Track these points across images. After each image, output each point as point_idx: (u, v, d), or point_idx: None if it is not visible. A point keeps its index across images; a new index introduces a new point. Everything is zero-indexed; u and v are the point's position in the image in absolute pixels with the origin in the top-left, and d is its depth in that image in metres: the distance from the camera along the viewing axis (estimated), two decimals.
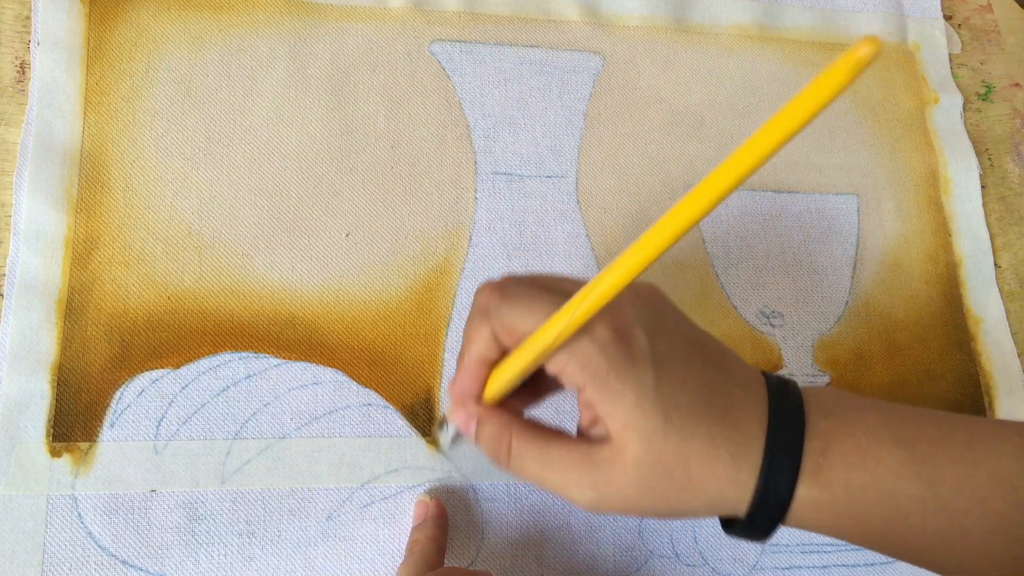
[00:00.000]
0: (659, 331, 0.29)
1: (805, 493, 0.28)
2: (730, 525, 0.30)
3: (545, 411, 0.41)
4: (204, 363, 0.39)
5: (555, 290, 0.29)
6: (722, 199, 0.23)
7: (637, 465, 0.28)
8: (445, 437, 0.35)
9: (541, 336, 0.27)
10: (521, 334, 0.28)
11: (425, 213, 0.43)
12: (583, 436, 0.30)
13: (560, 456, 0.29)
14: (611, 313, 0.28)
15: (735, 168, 0.23)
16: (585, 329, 0.27)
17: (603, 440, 0.28)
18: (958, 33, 0.53)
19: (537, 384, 0.32)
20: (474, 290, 0.34)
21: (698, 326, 0.31)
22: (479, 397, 0.30)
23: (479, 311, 0.30)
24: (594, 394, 0.28)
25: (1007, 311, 0.47)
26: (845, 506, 0.28)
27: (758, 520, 0.28)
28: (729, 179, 0.23)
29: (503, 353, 0.30)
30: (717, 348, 0.30)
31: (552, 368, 0.28)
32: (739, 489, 0.28)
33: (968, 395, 0.46)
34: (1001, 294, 0.48)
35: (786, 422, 0.28)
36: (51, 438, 0.36)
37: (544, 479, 0.29)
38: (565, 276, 0.31)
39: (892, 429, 0.29)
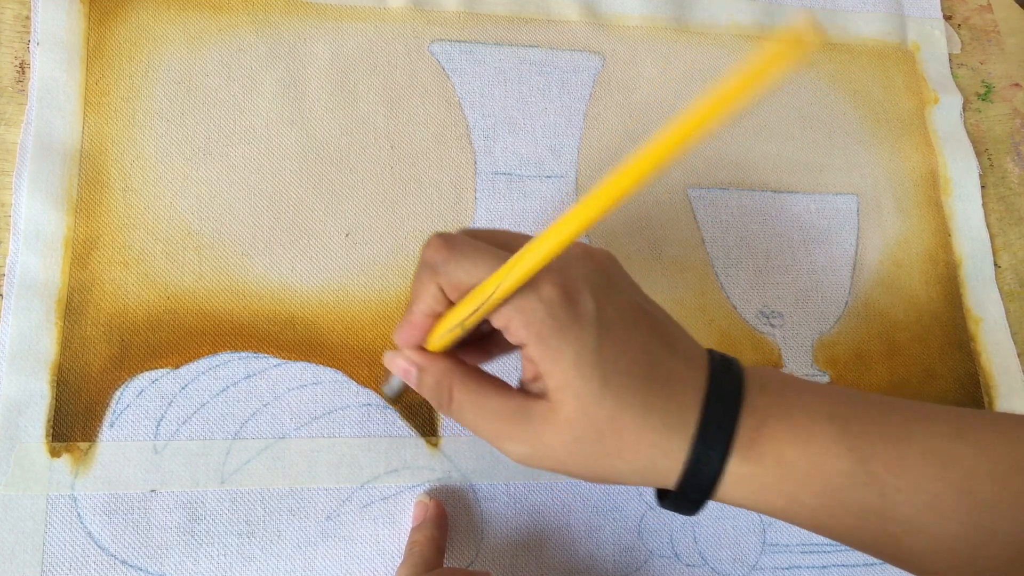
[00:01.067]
0: (608, 296, 0.29)
1: (737, 468, 0.28)
2: (663, 498, 0.30)
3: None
4: (204, 363, 0.39)
5: (506, 246, 0.29)
6: (668, 163, 0.23)
7: (569, 425, 0.28)
8: (389, 388, 0.35)
9: (483, 290, 0.27)
10: (466, 288, 0.28)
11: (425, 213, 0.43)
12: (523, 390, 0.30)
13: (497, 406, 0.29)
14: (560, 273, 0.28)
15: (683, 130, 0.22)
16: (532, 286, 0.27)
17: (541, 396, 0.29)
18: (958, 33, 0.53)
19: (487, 343, 0.32)
20: None
21: (649, 297, 0.31)
22: (421, 347, 0.30)
23: (426, 266, 0.29)
24: (536, 351, 0.28)
25: (1007, 311, 0.47)
26: (777, 482, 0.28)
27: (688, 492, 0.29)
28: (677, 139, 0.22)
29: (449, 306, 0.30)
30: (664, 320, 0.30)
31: (497, 322, 0.28)
32: (670, 460, 0.28)
33: (968, 395, 0.46)
34: (1001, 294, 0.48)
35: (723, 397, 0.28)
36: (51, 438, 0.36)
37: (479, 428, 0.29)
38: (521, 233, 0.31)
39: (828, 408, 0.29)
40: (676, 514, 0.40)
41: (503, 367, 0.37)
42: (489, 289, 0.27)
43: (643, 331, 0.29)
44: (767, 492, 0.28)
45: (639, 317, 0.29)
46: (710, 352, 0.30)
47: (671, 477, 0.28)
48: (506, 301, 0.28)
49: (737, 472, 0.28)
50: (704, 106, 0.21)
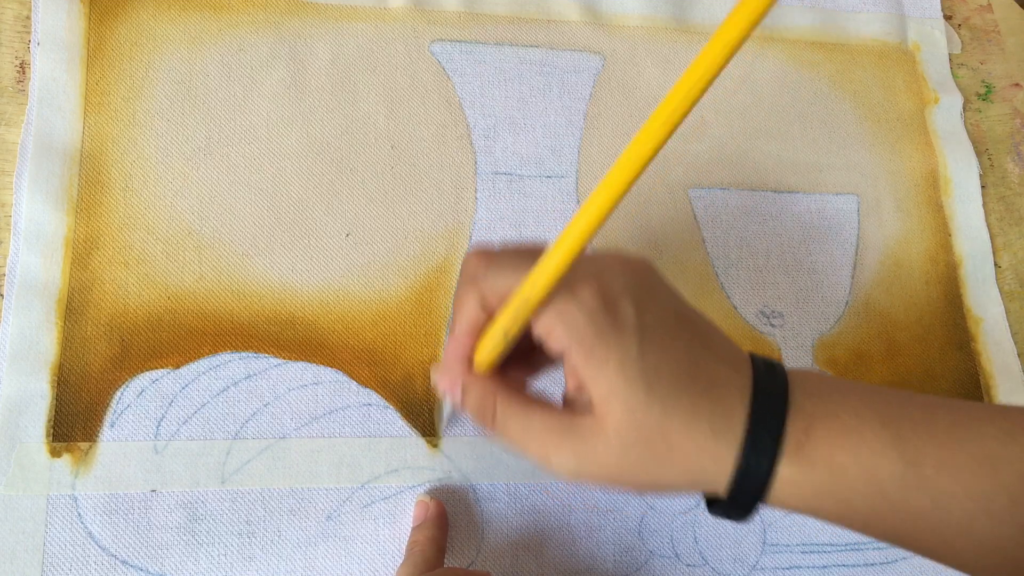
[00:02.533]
0: (647, 302, 0.29)
1: (787, 471, 0.28)
2: (712, 505, 0.30)
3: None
4: (204, 363, 0.39)
5: (540, 255, 0.29)
6: (672, 130, 0.23)
7: (618, 434, 0.28)
8: (442, 414, 0.35)
9: (520, 293, 0.27)
10: (507, 297, 0.28)
11: (425, 213, 0.43)
12: (567, 405, 0.30)
13: (542, 423, 0.29)
14: (599, 280, 0.28)
15: (682, 94, 0.23)
16: (572, 294, 0.27)
17: (585, 409, 0.28)
18: (958, 33, 0.53)
19: (531, 359, 0.32)
20: None
21: (688, 303, 0.31)
22: (467, 364, 0.30)
23: (467, 279, 0.30)
24: (579, 359, 0.28)
25: (1007, 311, 0.47)
26: (827, 485, 0.28)
27: (739, 497, 0.28)
28: (679, 103, 0.23)
29: (491, 319, 0.30)
30: (705, 325, 0.30)
31: (539, 330, 0.28)
32: (720, 464, 0.28)
33: (968, 395, 0.46)
34: (1001, 294, 0.48)
35: (770, 400, 0.28)
36: (51, 438, 0.36)
37: (526, 445, 0.29)
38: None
39: (875, 410, 0.29)
40: (671, 513, 0.40)
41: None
42: (525, 291, 0.27)
43: (684, 336, 0.29)
44: (818, 496, 0.28)
45: (679, 323, 0.29)
46: (752, 356, 0.30)
47: (720, 482, 0.28)
48: (546, 307, 0.28)
49: (787, 476, 0.28)
50: (707, 54, 0.22)
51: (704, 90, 0.23)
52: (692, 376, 0.28)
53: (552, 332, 0.28)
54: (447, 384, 0.31)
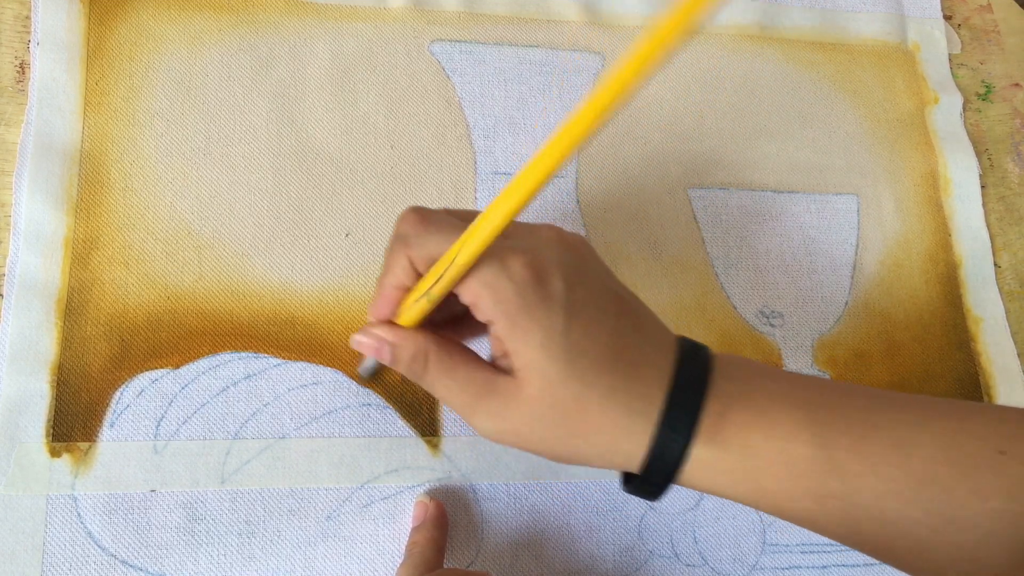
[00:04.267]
0: (578, 278, 0.29)
1: (700, 452, 0.28)
2: (628, 482, 0.30)
3: None
4: (204, 363, 0.39)
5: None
6: (614, 107, 0.23)
7: (533, 404, 0.28)
8: (363, 369, 0.35)
9: (446, 258, 0.27)
10: (436, 260, 0.28)
11: None
12: (493, 364, 0.30)
13: (466, 377, 0.29)
14: (532, 254, 0.28)
15: (618, 82, 0.23)
16: (503, 265, 0.28)
17: (508, 372, 0.29)
18: (958, 33, 0.53)
19: (459, 326, 0.33)
20: None
21: (621, 283, 0.31)
22: (393, 321, 0.30)
23: (398, 238, 0.30)
24: (503, 330, 0.28)
25: (1007, 311, 0.47)
26: (739, 466, 0.28)
27: (652, 476, 0.29)
28: (612, 92, 0.23)
29: (419, 280, 0.30)
30: (635, 305, 0.30)
31: (466, 298, 0.28)
32: (634, 443, 0.28)
33: (968, 395, 0.46)
34: (1001, 294, 0.48)
35: (689, 382, 0.29)
36: (51, 438, 0.36)
37: (451, 399, 0.29)
38: None
39: (793, 394, 0.29)
40: (671, 513, 0.41)
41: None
42: (451, 255, 0.27)
43: (612, 315, 0.29)
44: (730, 476, 0.29)
45: (609, 301, 0.29)
46: (680, 339, 0.30)
47: (635, 460, 0.29)
48: (475, 275, 0.28)
49: (701, 456, 0.28)
50: (644, 40, 0.22)
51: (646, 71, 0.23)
52: (615, 355, 0.28)
53: (479, 301, 0.28)
54: (372, 343, 0.30)
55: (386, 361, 0.31)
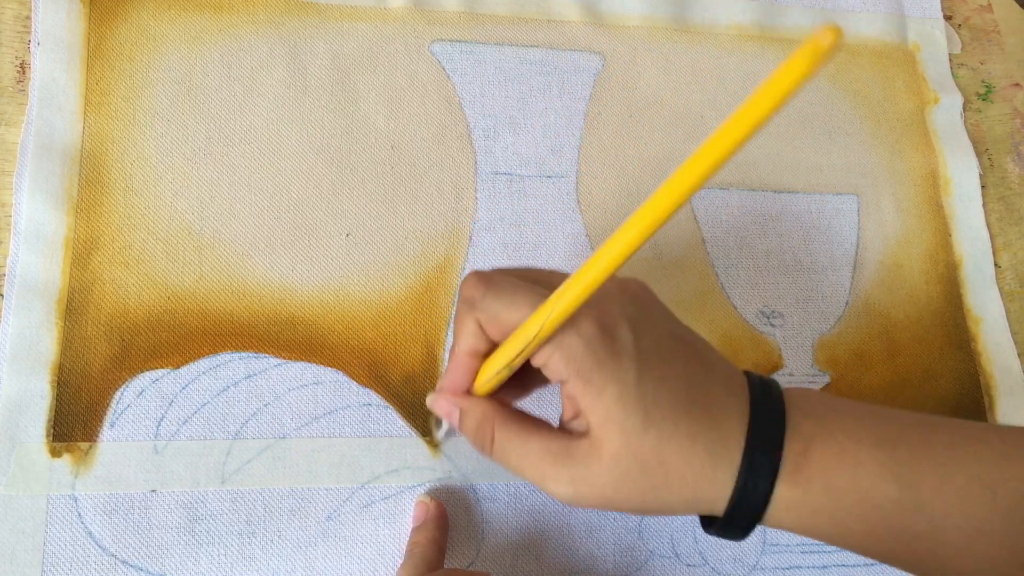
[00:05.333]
0: (644, 327, 0.29)
1: (784, 493, 0.28)
2: (709, 523, 0.30)
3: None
4: (204, 363, 0.39)
5: (541, 283, 0.29)
6: (699, 186, 0.23)
7: (615, 461, 0.28)
8: (439, 431, 0.36)
9: (525, 330, 0.28)
10: (506, 325, 0.28)
11: (425, 213, 0.43)
12: (564, 429, 0.30)
13: (539, 448, 0.29)
14: (597, 308, 0.28)
15: (711, 153, 0.22)
16: (571, 323, 0.27)
17: (583, 434, 0.28)
18: (958, 33, 0.53)
19: (524, 377, 0.32)
20: None
21: (682, 323, 0.31)
22: (467, 389, 0.31)
23: (465, 303, 0.30)
24: (577, 388, 0.28)
25: (1007, 311, 0.47)
26: (824, 507, 0.28)
27: (736, 519, 0.28)
28: (705, 165, 0.22)
29: (491, 344, 0.30)
30: (701, 346, 0.30)
31: (537, 361, 0.28)
32: (717, 488, 0.28)
33: (968, 395, 0.46)
34: (1001, 294, 0.48)
35: (767, 422, 0.28)
36: (51, 438, 0.36)
37: (523, 470, 0.29)
38: (553, 270, 0.31)
39: (872, 431, 0.29)
40: (673, 516, 0.40)
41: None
42: (533, 328, 0.27)
43: (681, 359, 0.29)
44: (815, 517, 0.28)
45: (676, 346, 0.29)
46: (747, 375, 0.30)
47: (719, 505, 0.28)
48: (545, 339, 0.28)
49: (784, 498, 0.28)
50: (734, 123, 0.21)
51: (747, 140, 0.22)
52: (689, 401, 0.28)
53: (551, 362, 0.28)
54: (443, 409, 0.31)
55: (455, 425, 0.31)
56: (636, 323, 0.29)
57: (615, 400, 0.27)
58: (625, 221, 0.25)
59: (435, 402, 0.31)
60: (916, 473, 0.28)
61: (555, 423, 0.31)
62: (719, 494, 0.28)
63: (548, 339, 0.28)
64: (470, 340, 0.30)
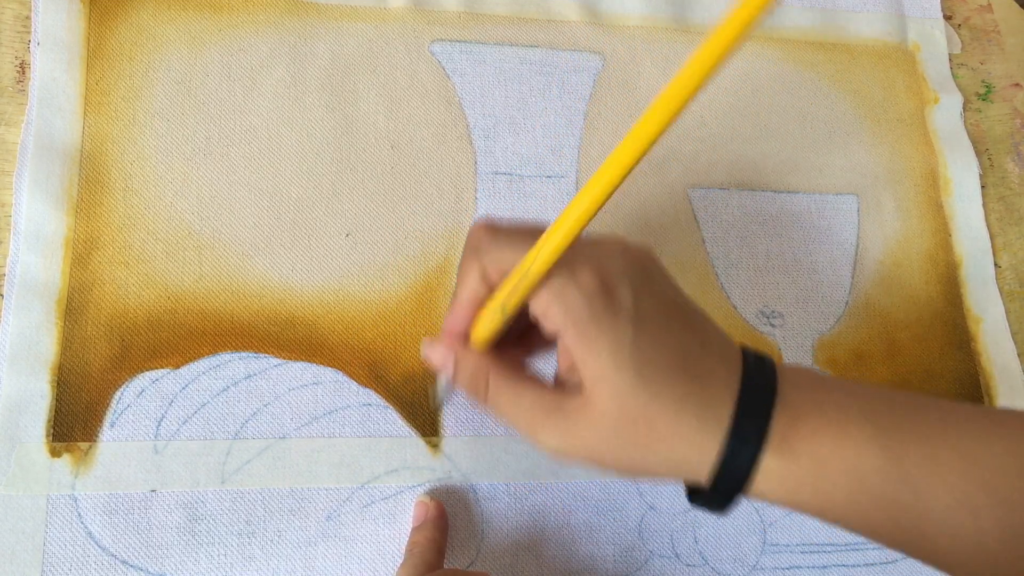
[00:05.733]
0: (644, 290, 0.29)
1: (770, 463, 0.28)
2: (694, 495, 0.30)
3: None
4: (204, 363, 0.39)
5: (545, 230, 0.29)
6: (683, 109, 0.24)
7: (604, 417, 0.28)
8: (436, 390, 0.36)
9: (520, 268, 0.28)
10: (508, 270, 0.29)
11: (425, 213, 0.43)
12: (559, 384, 0.30)
13: (532, 399, 0.29)
14: (599, 265, 0.28)
15: (694, 73, 0.23)
16: (572, 276, 0.28)
17: (575, 389, 0.29)
18: (958, 33, 0.53)
19: (527, 340, 0.33)
20: None
21: (685, 294, 0.31)
22: (463, 338, 0.31)
23: (470, 250, 0.30)
24: (572, 340, 0.28)
25: (1007, 311, 0.47)
26: (808, 478, 0.28)
27: (721, 487, 0.29)
28: (690, 84, 0.23)
29: (493, 292, 0.30)
30: (699, 316, 0.31)
31: (536, 309, 0.29)
32: (703, 453, 0.28)
33: (968, 395, 0.46)
34: (1001, 294, 0.48)
35: (757, 392, 0.29)
36: (51, 438, 0.36)
37: (515, 420, 0.30)
38: None
39: (860, 405, 0.29)
40: (671, 513, 0.40)
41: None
42: (526, 265, 0.27)
43: (678, 326, 0.29)
44: (800, 489, 0.28)
45: (675, 312, 0.29)
46: (743, 349, 0.30)
47: (703, 471, 0.28)
48: (544, 287, 0.28)
49: (770, 468, 0.28)
50: (707, 47, 0.22)
51: (711, 74, 0.23)
52: (683, 366, 0.28)
53: (548, 311, 0.28)
54: (439, 357, 0.31)
55: (449, 375, 0.31)
56: (637, 285, 0.29)
57: (609, 356, 0.28)
58: (609, 156, 0.25)
59: (431, 349, 0.31)
60: (902, 446, 0.28)
61: (551, 381, 0.31)
62: (704, 459, 0.28)
63: (545, 285, 0.28)
64: (472, 286, 0.30)
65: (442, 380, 0.35)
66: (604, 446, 0.28)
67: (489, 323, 0.30)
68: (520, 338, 0.33)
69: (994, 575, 0.28)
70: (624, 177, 0.25)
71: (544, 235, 0.27)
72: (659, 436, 0.28)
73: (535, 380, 0.30)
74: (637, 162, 0.25)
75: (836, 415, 0.28)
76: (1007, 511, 0.27)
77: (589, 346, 0.28)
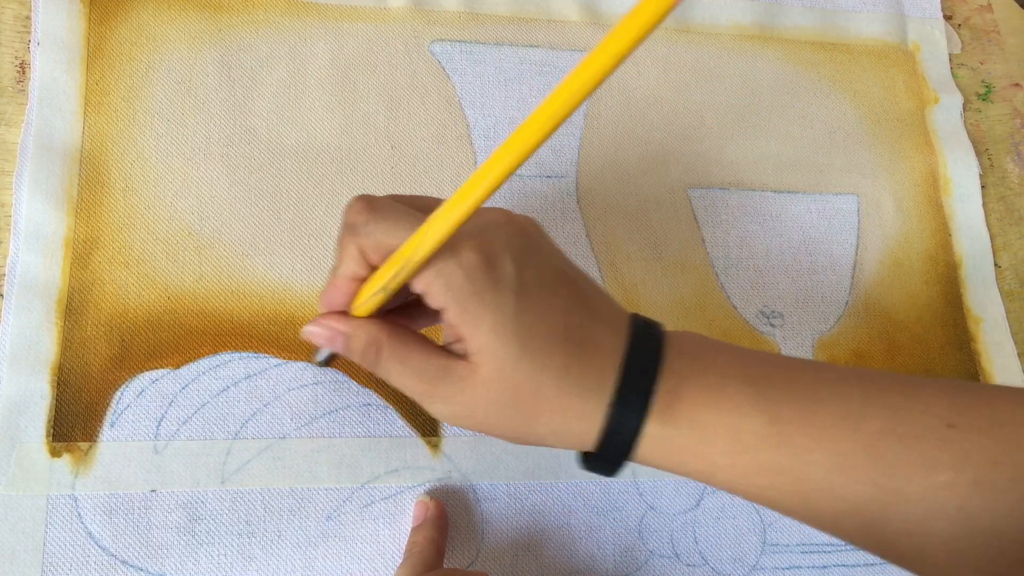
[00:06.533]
0: (528, 260, 0.29)
1: (654, 429, 0.28)
2: (585, 459, 0.31)
3: None
4: (204, 363, 0.39)
5: (427, 210, 0.28)
6: (588, 94, 0.24)
7: (487, 387, 0.28)
8: (317, 357, 0.36)
9: (402, 253, 0.28)
10: (387, 250, 0.28)
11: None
12: (447, 349, 0.30)
13: (420, 363, 0.29)
14: (481, 238, 0.28)
15: (604, 56, 0.23)
16: (452, 251, 0.28)
17: (463, 356, 0.29)
18: (958, 33, 0.53)
19: (411, 311, 0.33)
20: None
21: (572, 262, 0.31)
22: (346, 311, 0.30)
23: (347, 228, 0.29)
24: (455, 316, 0.28)
25: (1007, 311, 0.47)
26: (691, 443, 0.28)
27: (607, 453, 0.29)
28: (598, 68, 0.23)
29: (371, 269, 0.30)
30: (586, 284, 0.31)
31: (417, 287, 0.28)
32: (588, 422, 0.28)
33: None
34: (1001, 294, 0.48)
35: (641, 360, 0.29)
36: (51, 438, 0.36)
37: (406, 386, 0.30)
38: (440, 198, 0.31)
39: (742, 369, 0.29)
40: (671, 513, 0.41)
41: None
42: (407, 251, 0.27)
43: (563, 295, 0.29)
44: (682, 453, 0.29)
45: (559, 281, 0.29)
46: (633, 316, 0.31)
47: (589, 439, 0.29)
48: (426, 265, 0.28)
49: (654, 434, 0.28)
50: (602, 47, 0.22)
51: (614, 67, 0.23)
52: (566, 335, 0.28)
53: (431, 289, 0.28)
54: (324, 333, 0.30)
55: (340, 351, 0.31)
56: (520, 255, 0.29)
57: (491, 330, 0.28)
58: (499, 145, 0.25)
59: (313, 332, 0.31)
60: (781, 408, 0.28)
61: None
62: (590, 428, 0.28)
63: (425, 265, 0.28)
64: (351, 264, 0.29)
65: (322, 351, 0.35)
66: (489, 415, 0.29)
67: (369, 303, 0.29)
68: (405, 310, 0.33)
69: (875, 536, 0.28)
70: (519, 163, 0.25)
71: (430, 219, 0.27)
72: (544, 406, 0.28)
73: (426, 344, 0.30)
74: (535, 149, 0.25)
75: (718, 380, 0.29)
76: (883, 475, 0.27)
77: (472, 321, 0.28)
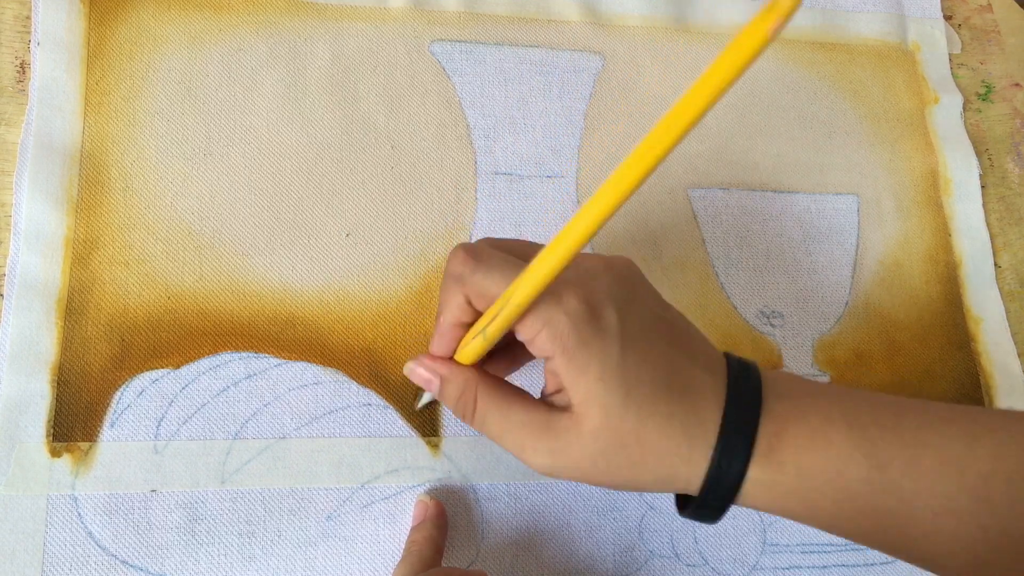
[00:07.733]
0: (629, 307, 0.29)
1: (757, 474, 0.28)
2: (684, 506, 0.31)
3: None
4: (204, 363, 0.39)
5: (524, 256, 0.29)
6: (669, 152, 0.24)
7: (594, 437, 0.28)
8: (418, 401, 0.37)
9: (507, 298, 0.28)
10: (492, 298, 0.29)
11: (425, 213, 0.43)
12: (545, 401, 0.30)
13: (520, 418, 0.29)
14: (584, 286, 0.29)
15: (678, 120, 0.23)
16: (557, 300, 0.28)
17: (564, 408, 0.29)
18: (958, 33, 0.53)
19: (513, 352, 0.33)
20: None
21: (668, 304, 0.31)
22: (449, 358, 0.31)
23: (452, 278, 0.30)
24: (561, 365, 0.28)
25: (1007, 311, 0.47)
26: (796, 487, 0.28)
27: (710, 499, 0.29)
28: (674, 132, 0.24)
29: (476, 315, 0.30)
30: (684, 328, 0.31)
31: (523, 335, 0.29)
32: (692, 467, 0.28)
33: (968, 395, 0.46)
34: (1001, 294, 0.48)
35: (743, 404, 0.29)
36: (51, 438, 0.36)
37: (503, 438, 0.30)
38: (538, 243, 0.31)
39: (845, 413, 0.29)
40: (671, 512, 0.40)
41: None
42: (512, 296, 0.28)
43: (663, 341, 0.29)
44: (787, 498, 0.29)
45: (659, 327, 0.30)
46: (727, 357, 0.31)
47: (693, 484, 0.29)
48: (530, 312, 0.28)
49: (757, 479, 0.28)
50: (698, 90, 0.22)
51: (715, 100, 0.23)
52: (669, 381, 0.29)
53: (536, 337, 0.28)
54: (423, 374, 0.31)
55: (434, 392, 0.31)
56: (621, 303, 0.29)
57: (597, 379, 0.28)
58: (599, 188, 0.25)
59: (413, 370, 0.31)
60: (886, 453, 0.28)
61: (537, 394, 0.31)
62: (693, 473, 0.28)
63: (531, 312, 0.28)
64: (455, 312, 0.30)
65: (423, 396, 0.36)
66: (594, 465, 0.29)
67: (470, 348, 0.30)
68: (506, 353, 0.33)
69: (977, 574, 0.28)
70: (617, 206, 0.25)
71: (529, 266, 0.27)
72: (649, 453, 0.28)
73: (524, 397, 0.30)
74: (633, 190, 0.25)
75: (820, 423, 0.29)
76: (991, 516, 0.27)
77: (577, 370, 0.28)
